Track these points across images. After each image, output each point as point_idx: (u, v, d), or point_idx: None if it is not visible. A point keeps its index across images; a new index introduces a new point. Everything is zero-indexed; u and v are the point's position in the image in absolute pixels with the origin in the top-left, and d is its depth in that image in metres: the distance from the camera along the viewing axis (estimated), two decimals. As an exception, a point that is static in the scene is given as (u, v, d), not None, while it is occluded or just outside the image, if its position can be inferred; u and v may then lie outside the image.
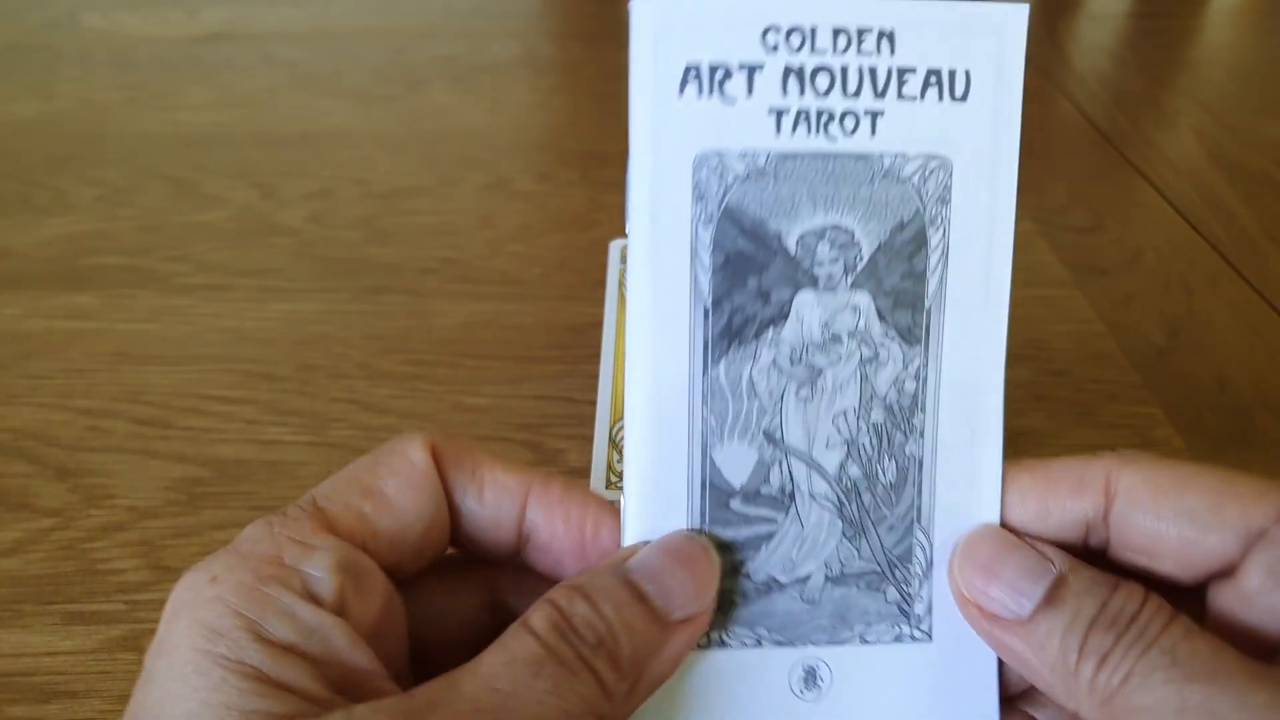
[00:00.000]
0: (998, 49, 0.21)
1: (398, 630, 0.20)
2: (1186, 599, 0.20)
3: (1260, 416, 0.40)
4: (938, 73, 0.21)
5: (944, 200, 0.21)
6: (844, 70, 0.21)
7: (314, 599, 0.18)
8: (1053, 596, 0.20)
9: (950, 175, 0.21)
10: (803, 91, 0.21)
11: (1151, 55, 0.78)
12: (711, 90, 0.21)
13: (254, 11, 0.82)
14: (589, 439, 0.35)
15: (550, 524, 0.22)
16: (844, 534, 0.22)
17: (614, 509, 0.22)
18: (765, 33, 0.21)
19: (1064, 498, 0.21)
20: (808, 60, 0.21)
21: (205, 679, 0.17)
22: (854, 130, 0.21)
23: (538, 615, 0.19)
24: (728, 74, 0.21)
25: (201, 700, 0.16)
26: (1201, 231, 0.53)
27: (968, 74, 0.21)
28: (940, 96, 0.21)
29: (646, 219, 0.21)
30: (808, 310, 0.22)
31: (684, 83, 0.21)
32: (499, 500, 0.22)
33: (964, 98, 0.21)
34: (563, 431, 0.39)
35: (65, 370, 0.42)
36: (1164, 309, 0.47)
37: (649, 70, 0.21)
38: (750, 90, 0.21)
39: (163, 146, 0.61)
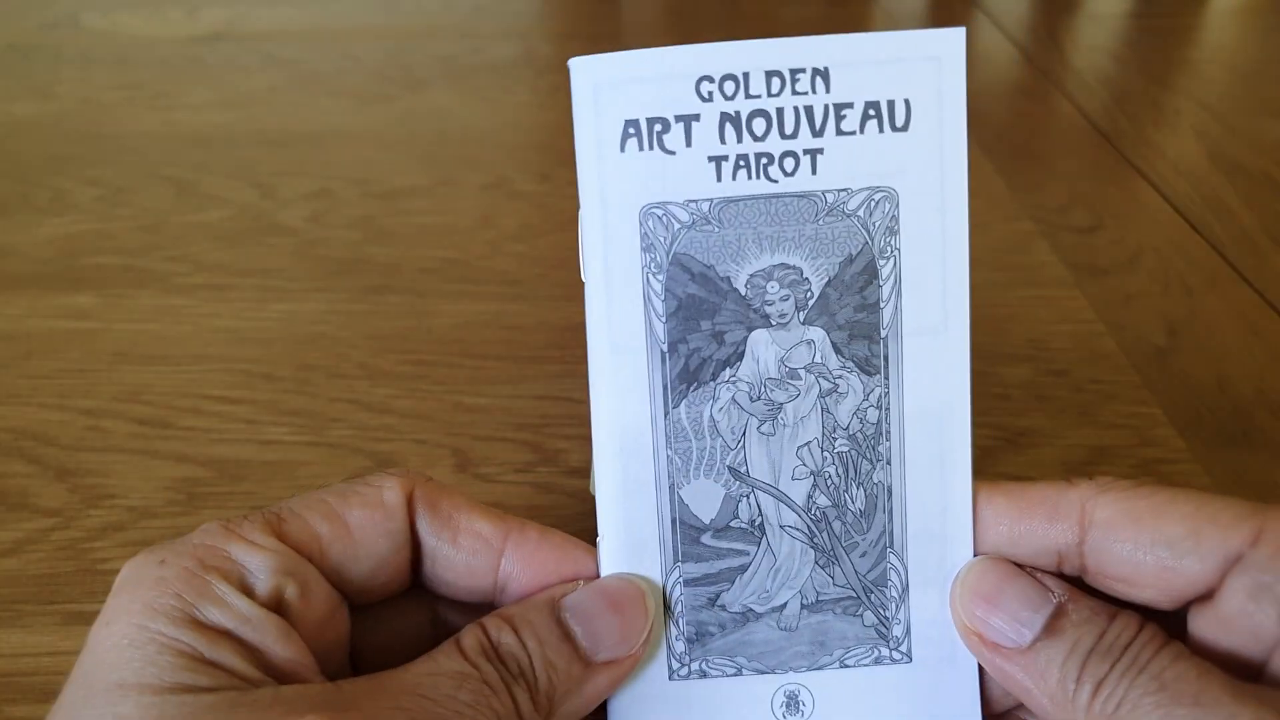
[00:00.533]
0: (936, 75, 0.21)
1: (339, 638, 0.21)
2: (1168, 621, 0.21)
3: (1260, 416, 0.40)
4: (876, 104, 0.21)
5: (892, 230, 0.22)
6: (780, 112, 0.22)
7: (250, 593, 0.19)
8: (1053, 626, 0.20)
9: (897, 205, 0.22)
10: (740, 137, 0.22)
11: (1151, 55, 0.78)
12: (651, 143, 0.22)
13: (254, 11, 0.82)
14: (589, 439, 0.35)
15: (526, 573, 0.22)
16: (817, 562, 0.23)
17: (589, 552, 0.23)
18: (699, 83, 0.22)
19: (1037, 524, 0.22)
20: (743, 106, 0.22)
21: (139, 651, 0.18)
22: (794, 170, 0.22)
23: (469, 636, 0.20)
24: (666, 126, 0.22)
25: (134, 670, 0.18)
26: (1202, 231, 0.53)
27: (907, 103, 0.21)
28: (881, 128, 0.21)
29: (600, 271, 0.22)
30: (762, 348, 0.22)
31: (625, 137, 0.22)
32: (475, 548, 0.22)
33: (905, 127, 0.21)
34: (562, 431, 0.39)
35: (65, 370, 0.42)
36: (1164, 309, 0.47)
37: (591, 127, 0.22)
38: (689, 141, 0.22)
39: (162, 146, 0.61)
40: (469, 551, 0.22)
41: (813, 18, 0.84)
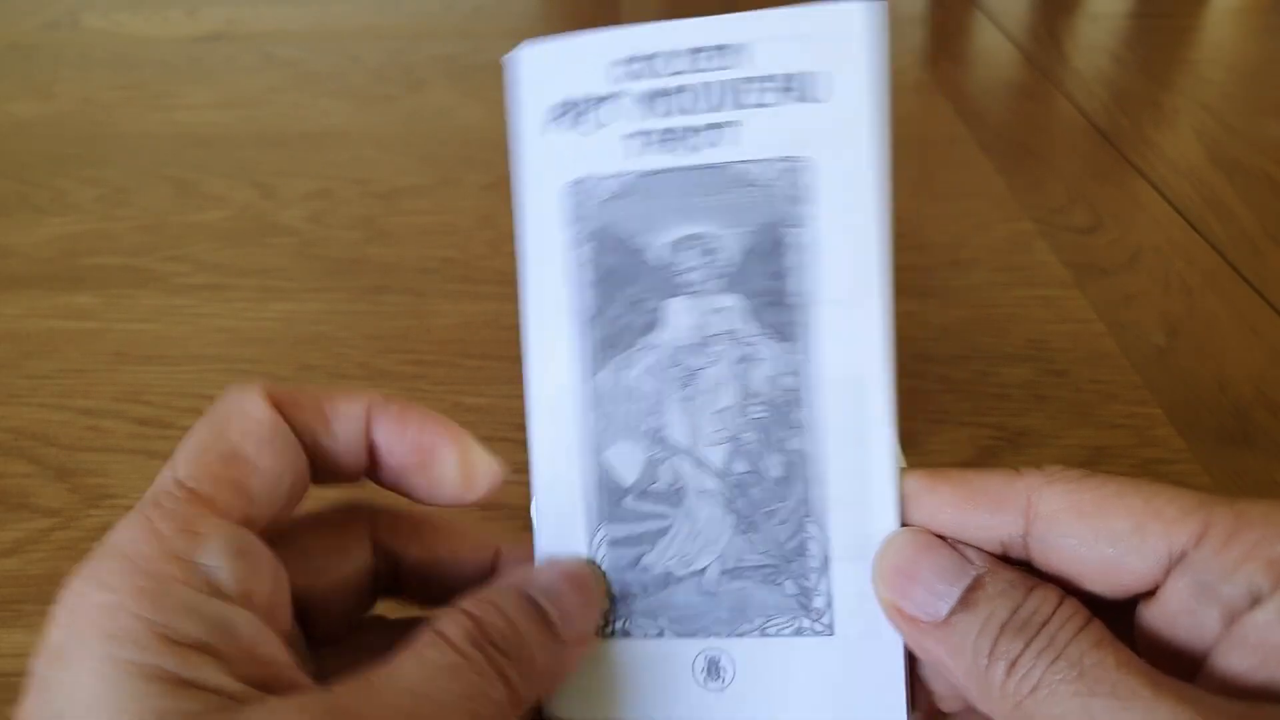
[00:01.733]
0: (855, 47, 0.21)
1: (284, 600, 0.20)
2: (1116, 613, 0.20)
3: (1260, 416, 0.40)
4: (793, 77, 0.22)
5: (800, 199, 0.22)
6: (697, 88, 0.23)
7: (216, 591, 0.18)
8: (968, 598, 0.20)
9: (813, 175, 0.22)
10: (660, 113, 0.23)
11: (1151, 55, 0.78)
12: (574, 123, 0.24)
13: (254, 11, 0.82)
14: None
15: (391, 443, 0.22)
16: (735, 528, 0.23)
17: (448, 425, 0.23)
18: (619, 65, 0.23)
19: (981, 514, 0.21)
20: (663, 84, 0.23)
21: (113, 686, 0.16)
22: (713, 143, 0.23)
23: (452, 624, 0.19)
24: (586, 107, 0.23)
25: (113, 708, 0.16)
26: (1201, 231, 0.53)
27: (825, 76, 0.22)
28: (798, 100, 0.22)
29: (529, 245, 0.24)
30: (677, 315, 0.23)
31: (549, 119, 0.24)
32: (346, 429, 0.22)
33: (822, 99, 0.22)
34: (563, 431, 0.39)
35: (65, 370, 0.42)
36: (1164, 309, 0.47)
37: (521, 113, 0.24)
38: (609, 119, 0.23)
39: (162, 146, 0.61)
40: (343, 435, 0.22)
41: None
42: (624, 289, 0.23)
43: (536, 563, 0.23)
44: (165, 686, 0.16)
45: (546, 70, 0.24)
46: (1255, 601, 0.19)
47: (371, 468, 0.23)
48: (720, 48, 0.22)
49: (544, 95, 0.24)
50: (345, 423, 0.22)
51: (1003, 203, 0.55)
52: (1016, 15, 0.85)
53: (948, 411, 0.40)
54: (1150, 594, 0.20)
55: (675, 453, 0.23)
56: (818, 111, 0.22)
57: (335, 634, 0.23)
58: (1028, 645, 0.18)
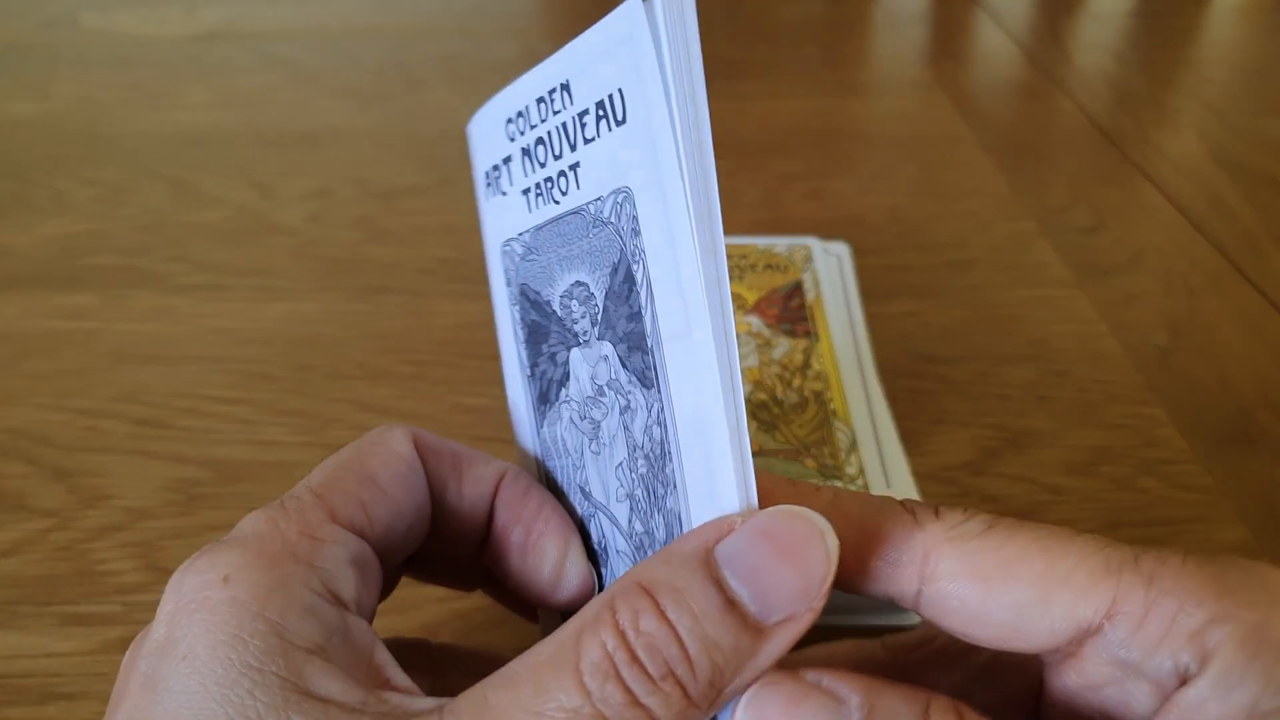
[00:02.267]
0: (632, 54, 0.18)
1: (375, 607, 0.20)
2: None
3: (1262, 416, 0.40)
4: (601, 103, 0.20)
5: (636, 232, 0.19)
6: (550, 134, 0.22)
7: (334, 596, 0.17)
8: None
9: (634, 204, 0.19)
10: (533, 167, 0.23)
11: (1153, 54, 0.78)
12: (495, 187, 0.25)
13: (253, 10, 0.82)
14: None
15: (507, 517, 0.22)
16: None
17: (563, 519, 0.23)
18: (506, 125, 0.23)
19: (879, 566, 0.19)
20: (530, 137, 0.22)
21: (232, 689, 0.16)
22: (568, 188, 0.22)
23: (591, 645, 0.16)
24: (498, 170, 0.24)
25: (230, 712, 0.15)
26: (1203, 231, 0.53)
27: (621, 93, 0.19)
28: (610, 126, 0.20)
29: (494, 308, 0.25)
30: (577, 366, 0.22)
31: (485, 184, 0.25)
32: (474, 491, 0.22)
33: (624, 119, 0.19)
34: (562, 432, 0.39)
35: (63, 370, 0.41)
36: (1166, 309, 0.47)
37: (475, 181, 0.25)
38: (510, 179, 0.24)
39: (161, 146, 0.60)
40: (470, 499, 0.22)
41: (812, 17, 0.84)
42: (542, 344, 0.23)
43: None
44: (284, 694, 0.16)
45: (482, 139, 0.25)
46: (1183, 679, 0.17)
47: (486, 545, 0.22)
48: (556, 90, 0.21)
49: (480, 163, 0.25)
50: (475, 485, 0.22)
51: (1004, 202, 0.55)
52: (1018, 14, 0.85)
53: (949, 412, 0.40)
54: (1063, 656, 0.19)
55: (597, 509, 0.22)
56: (625, 134, 0.19)
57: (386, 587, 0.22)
58: None
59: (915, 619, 0.30)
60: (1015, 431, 0.39)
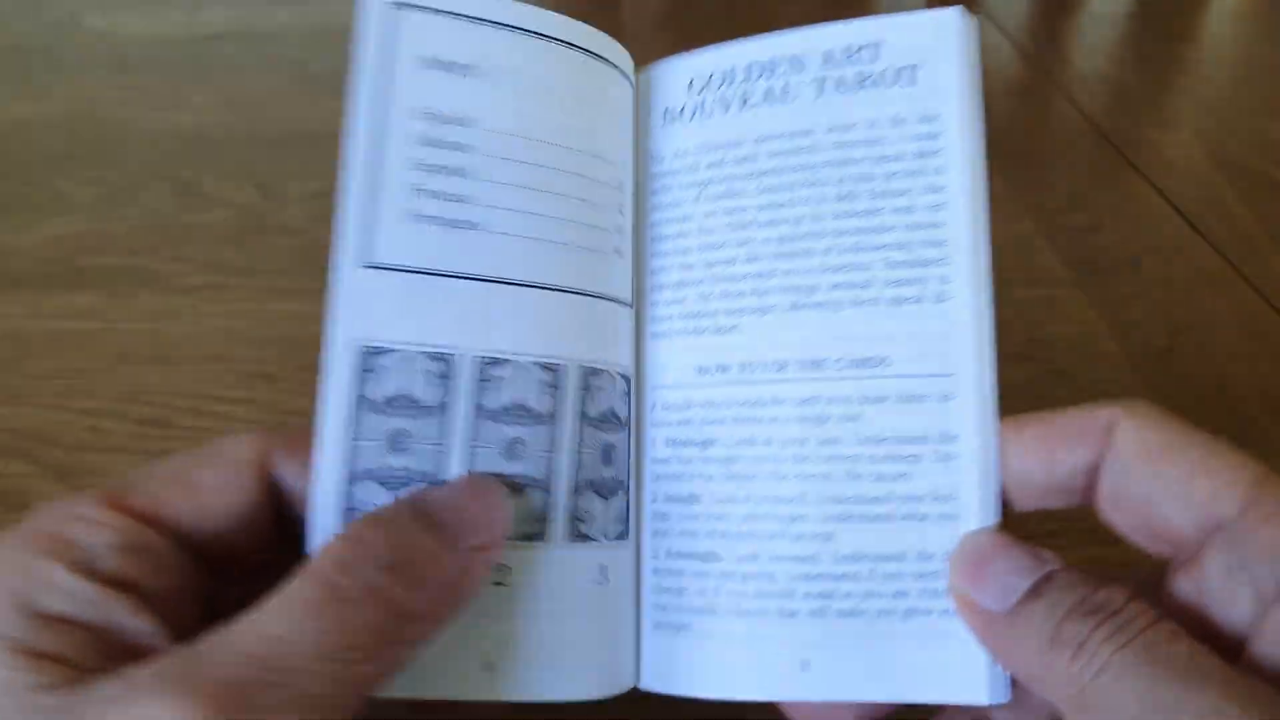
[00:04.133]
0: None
1: (198, 603, 0.21)
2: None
3: (1261, 418, 0.40)
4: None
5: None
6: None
7: (91, 572, 0.19)
8: (1039, 588, 0.20)
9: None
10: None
11: (1152, 55, 0.78)
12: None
13: (255, 12, 0.82)
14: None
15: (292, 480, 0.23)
16: None
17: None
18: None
19: (1070, 446, 0.22)
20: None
21: None
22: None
23: (323, 553, 0.19)
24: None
25: None
26: (1202, 232, 0.53)
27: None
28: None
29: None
30: None
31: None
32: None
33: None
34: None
35: (65, 370, 0.42)
36: (1165, 309, 0.47)
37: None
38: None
39: (163, 147, 0.60)
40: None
41: (812, 16, 0.84)
42: None
43: None
44: (13, 657, 0.17)
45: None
46: None
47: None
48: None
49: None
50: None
51: (1003, 203, 0.55)
52: (1016, 15, 0.85)
53: (948, 412, 0.40)
54: (1188, 564, 0.20)
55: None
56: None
57: (254, 581, 0.22)
58: (1096, 629, 0.18)
59: None
60: (1014, 431, 0.39)
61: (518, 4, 0.24)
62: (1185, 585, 0.20)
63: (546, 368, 0.23)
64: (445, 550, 0.20)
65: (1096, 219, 0.54)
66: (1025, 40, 0.80)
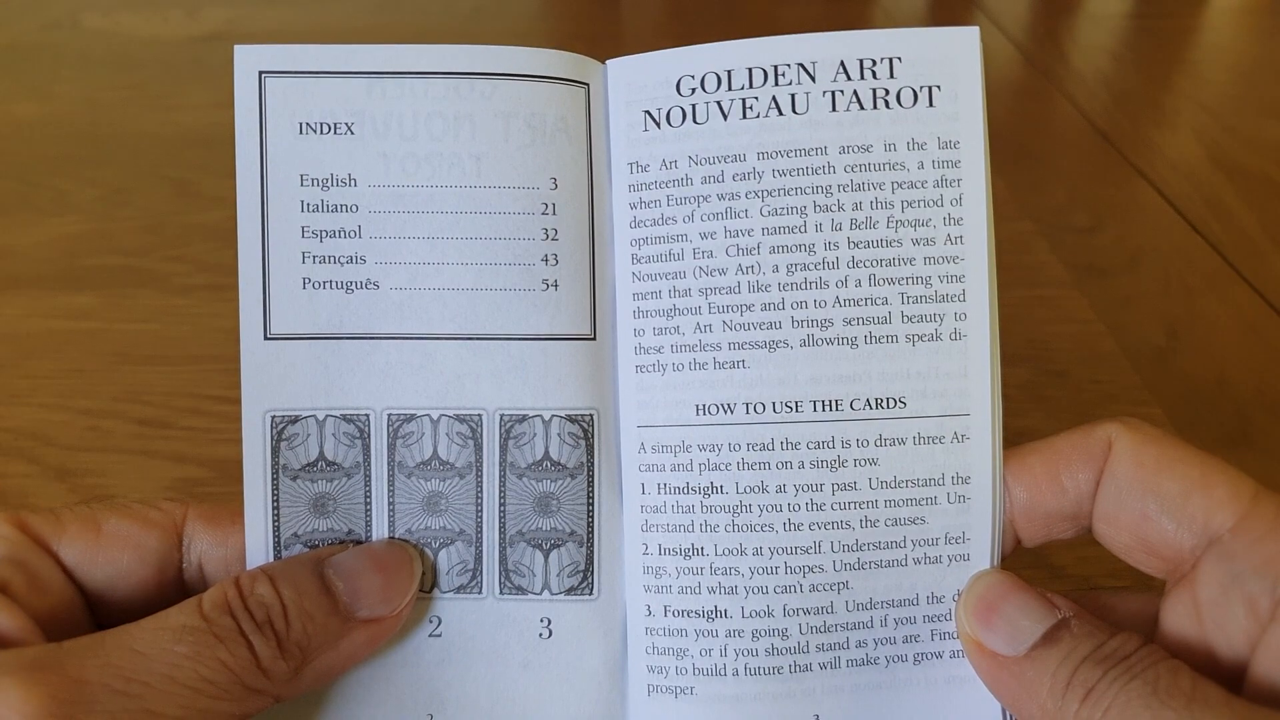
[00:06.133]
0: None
1: (80, 631, 0.21)
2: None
3: (1260, 417, 0.40)
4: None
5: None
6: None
7: None
8: (1052, 635, 0.20)
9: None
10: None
11: (1151, 56, 0.78)
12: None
13: (255, 12, 0.82)
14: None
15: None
16: None
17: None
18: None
19: (1073, 469, 0.22)
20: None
21: None
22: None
23: (213, 590, 0.20)
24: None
25: None
26: (1201, 232, 0.53)
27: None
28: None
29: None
30: None
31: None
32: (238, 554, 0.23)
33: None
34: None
35: (65, 370, 0.42)
36: (1164, 309, 0.47)
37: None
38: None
39: (163, 146, 0.61)
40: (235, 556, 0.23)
41: (813, 17, 0.84)
42: None
43: None
44: None
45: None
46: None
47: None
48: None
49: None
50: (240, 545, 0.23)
51: (1002, 203, 0.55)
52: (1016, 15, 0.85)
53: (948, 412, 0.40)
54: (1183, 582, 0.20)
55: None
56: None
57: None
58: (1105, 674, 0.19)
59: None
60: (1013, 431, 0.39)
61: (395, 49, 0.23)
62: (1181, 603, 0.20)
63: (460, 419, 0.23)
64: (332, 616, 0.20)
65: (1096, 219, 0.54)
66: (1025, 40, 0.80)
